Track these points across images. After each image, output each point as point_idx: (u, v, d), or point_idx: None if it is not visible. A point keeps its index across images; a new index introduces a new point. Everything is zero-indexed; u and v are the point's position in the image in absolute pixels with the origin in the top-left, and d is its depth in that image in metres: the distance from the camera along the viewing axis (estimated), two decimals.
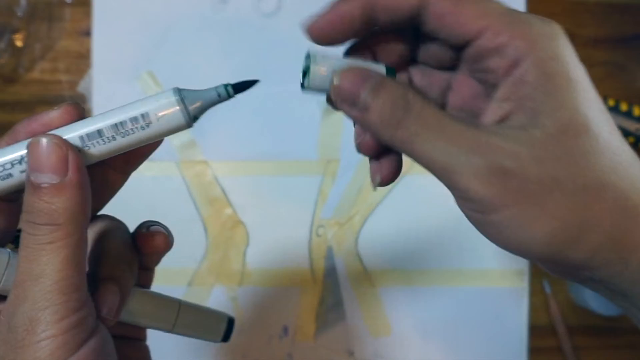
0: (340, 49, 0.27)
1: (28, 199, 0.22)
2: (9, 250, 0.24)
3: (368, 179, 0.55)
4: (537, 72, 0.23)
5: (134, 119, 0.24)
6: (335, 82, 0.24)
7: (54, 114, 0.24)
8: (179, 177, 0.55)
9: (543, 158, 0.22)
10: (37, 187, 0.22)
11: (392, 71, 0.25)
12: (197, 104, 0.24)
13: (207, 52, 0.55)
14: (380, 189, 0.55)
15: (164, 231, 0.30)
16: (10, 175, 0.23)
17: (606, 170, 0.22)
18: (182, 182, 0.55)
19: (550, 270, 0.25)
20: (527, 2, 0.57)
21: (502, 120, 0.24)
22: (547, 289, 0.55)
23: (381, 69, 0.25)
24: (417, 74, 0.28)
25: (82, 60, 0.55)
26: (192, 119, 0.24)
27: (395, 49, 0.27)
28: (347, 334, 0.54)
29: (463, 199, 0.23)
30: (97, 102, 0.54)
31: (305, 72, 0.25)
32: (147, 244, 0.29)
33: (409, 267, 0.55)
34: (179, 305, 0.31)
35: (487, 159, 0.22)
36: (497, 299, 0.55)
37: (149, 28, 0.55)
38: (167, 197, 0.54)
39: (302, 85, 0.25)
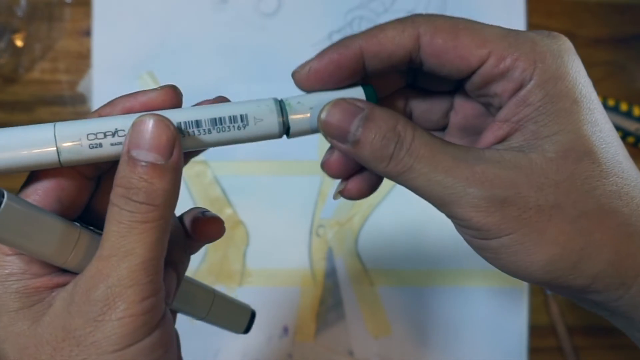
0: None
1: (126, 174, 0.22)
2: (79, 225, 0.24)
3: None
4: (541, 94, 0.22)
5: (233, 118, 0.24)
6: (323, 117, 0.23)
7: (154, 94, 0.24)
8: None
9: (542, 184, 0.22)
10: (138, 165, 0.22)
11: (371, 91, 0.25)
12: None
13: (207, 52, 0.55)
14: (380, 189, 0.55)
15: (220, 217, 0.29)
16: (99, 145, 0.23)
17: (609, 195, 0.22)
18: (182, 182, 0.55)
19: (550, 290, 0.25)
20: (527, 2, 0.57)
21: (501, 141, 0.23)
22: (547, 289, 0.55)
23: (359, 92, 0.25)
24: (416, 98, 0.27)
25: (82, 60, 0.55)
26: (285, 130, 0.25)
27: (390, 81, 0.26)
28: (347, 334, 0.54)
29: (462, 226, 0.23)
30: (97, 102, 0.54)
31: (285, 121, 0.25)
32: (205, 229, 0.29)
33: (409, 267, 0.55)
34: (213, 295, 0.32)
35: (484, 190, 0.22)
36: (497, 299, 0.55)
37: (149, 28, 0.55)
38: None
39: (287, 135, 0.25)
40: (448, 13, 0.57)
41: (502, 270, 0.23)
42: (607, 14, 0.58)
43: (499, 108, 0.24)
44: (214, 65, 0.55)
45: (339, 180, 0.27)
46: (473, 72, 0.23)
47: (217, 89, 0.55)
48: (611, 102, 0.55)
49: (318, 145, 0.55)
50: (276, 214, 0.55)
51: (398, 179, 0.23)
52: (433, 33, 0.23)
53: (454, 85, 0.26)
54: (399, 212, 0.55)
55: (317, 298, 0.54)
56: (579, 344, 0.55)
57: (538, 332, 0.55)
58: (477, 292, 0.55)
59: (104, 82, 0.54)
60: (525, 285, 0.55)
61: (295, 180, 0.55)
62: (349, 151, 0.23)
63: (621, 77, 0.58)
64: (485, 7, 0.56)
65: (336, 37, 0.55)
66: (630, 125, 0.55)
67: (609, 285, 0.22)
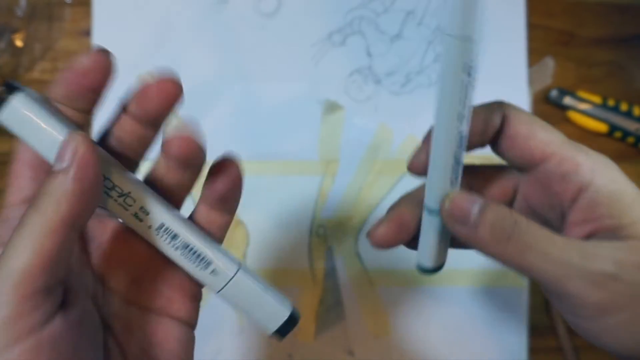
0: None
1: None
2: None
3: (368, 179, 0.55)
4: (606, 195, 0.25)
5: (200, 258, 0.26)
6: (447, 206, 0.26)
7: (84, 63, 0.25)
8: None
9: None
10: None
11: (296, 313, 0.29)
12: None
13: (207, 52, 0.55)
14: (380, 188, 0.55)
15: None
16: None
17: None
18: None
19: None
20: (527, 2, 0.56)
21: (588, 237, 0.26)
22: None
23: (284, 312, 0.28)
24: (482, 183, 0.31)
25: None
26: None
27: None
28: (347, 334, 0.54)
29: (572, 305, 0.25)
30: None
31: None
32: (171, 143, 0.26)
33: (409, 267, 0.55)
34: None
35: (597, 265, 0.24)
36: (497, 299, 0.55)
37: (149, 28, 0.55)
38: None
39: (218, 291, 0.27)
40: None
41: (607, 348, 0.26)
42: (608, 13, 0.58)
43: (559, 206, 0.27)
44: (213, 65, 0.55)
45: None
46: (533, 166, 0.27)
47: (216, 89, 0.55)
48: (611, 102, 0.55)
49: (318, 145, 0.55)
50: (276, 214, 0.55)
51: (515, 261, 0.25)
52: (516, 116, 0.26)
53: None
54: None
55: (317, 298, 0.54)
56: (579, 344, 0.55)
57: (538, 332, 0.55)
58: (477, 292, 0.55)
59: None
60: (525, 285, 0.55)
61: (295, 180, 0.55)
62: (469, 235, 0.26)
63: (621, 77, 0.58)
64: (486, 7, 0.56)
65: (336, 37, 0.55)
66: (630, 125, 0.55)
67: None
